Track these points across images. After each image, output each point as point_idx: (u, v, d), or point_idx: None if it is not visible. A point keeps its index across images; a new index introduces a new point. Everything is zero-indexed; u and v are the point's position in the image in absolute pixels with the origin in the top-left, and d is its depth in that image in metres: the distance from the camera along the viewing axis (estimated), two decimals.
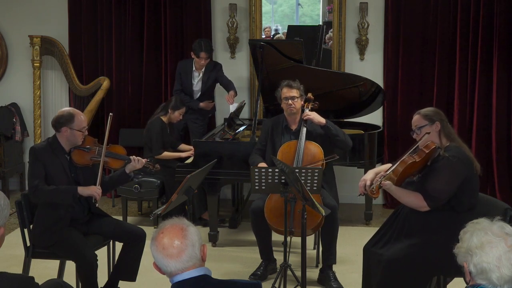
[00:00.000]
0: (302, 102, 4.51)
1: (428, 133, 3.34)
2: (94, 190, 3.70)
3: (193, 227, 2.18)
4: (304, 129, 4.36)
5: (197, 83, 6.04)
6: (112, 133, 6.44)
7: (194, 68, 6.00)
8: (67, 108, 3.85)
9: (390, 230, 3.49)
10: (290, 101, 4.42)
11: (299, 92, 4.44)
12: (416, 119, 3.43)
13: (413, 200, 3.31)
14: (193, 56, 5.91)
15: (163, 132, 5.50)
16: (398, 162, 3.34)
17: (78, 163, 3.78)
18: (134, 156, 3.88)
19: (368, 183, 3.46)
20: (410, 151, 3.33)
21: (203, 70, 5.98)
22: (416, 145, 3.34)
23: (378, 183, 3.33)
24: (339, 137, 4.41)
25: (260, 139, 4.67)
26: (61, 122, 3.70)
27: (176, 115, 5.57)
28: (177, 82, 6.06)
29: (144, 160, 3.90)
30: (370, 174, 3.52)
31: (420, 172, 3.39)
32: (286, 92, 4.44)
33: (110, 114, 3.93)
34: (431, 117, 3.39)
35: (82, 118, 3.74)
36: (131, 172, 3.90)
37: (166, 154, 5.51)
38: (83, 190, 3.69)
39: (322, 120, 4.37)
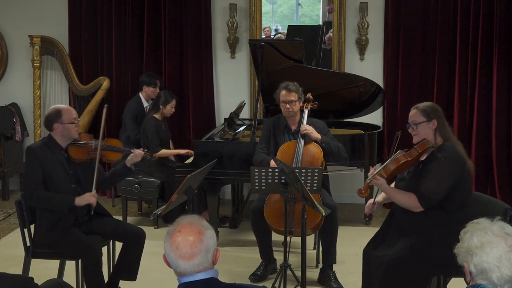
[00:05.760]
0: (301, 104, 4.51)
1: (425, 139, 3.32)
2: (90, 198, 3.70)
3: (211, 230, 2.14)
4: (302, 141, 4.35)
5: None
6: (113, 132, 6.44)
7: (144, 103, 6.01)
8: (52, 107, 3.83)
9: (388, 231, 3.49)
10: (288, 105, 4.42)
11: (298, 95, 4.43)
12: (414, 114, 3.39)
13: (407, 200, 3.31)
14: (145, 90, 5.94)
15: (158, 130, 5.50)
16: (390, 161, 3.33)
17: (75, 159, 3.77)
18: (134, 149, 3.91)
19: (371, 201, 3.53)
20: (394, 154, 3.33)
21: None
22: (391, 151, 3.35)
23: (368, 181, 3.33)
24: (332, 154, 4.42)
25: (262, 138, 4.64)
26: (50, 120, 3.70)
27: (168, 109, 5.57)
28: (133, 127, 5.88)
29: (142, 151, 3.92)
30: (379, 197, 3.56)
31: (410, 168, 3.40)
32: (284, 95, 4.42)
33: (106, 105, 3.97)
34: (429, 113, 3.34)
35: (71, 111, 3.74)
36: (132, 165, 3.91)
37: (164, 151, 5.51)
38: (80, 201, 3.67)
39: (318, 136, 4.37)
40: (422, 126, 3.35)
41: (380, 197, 3.58)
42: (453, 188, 3.26)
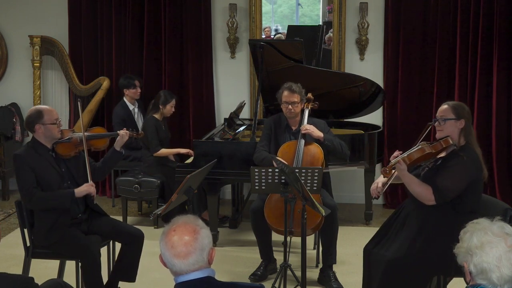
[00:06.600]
0: (302, 105, 4.51)
1: (448, 136, 3.33)
2: (89, 188, 3.69)
3: (206, 229, 2.15)
4: (302, 141, 4.34)
5: (137, 118, 6.07)
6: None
7: (130, 106, 6.03)
8: (34, 107, 3.83)
9: (390, 230, 3.49)
10: (290, 106, 4.41)
11: (300, 97, 4.43)
12: (444, 109, 3.39)
13: (423, 191, 3.30)
14: (127, 93, 5.99)
15: (158, 130, 5.51)
16: (415, 149, 3.34)
17: (64, 155, 3.75)
18: (120, 131, 3.93)
19: (380, 185, 3.50)
20: (422, 142, 3.34)
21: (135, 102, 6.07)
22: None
23: (393, 163, 3.33)
24: (336, 151, 4.41)
25: (264, 137, 4.63)
26: (31, 121, 3.68)
27: (168, 108, 5.59)
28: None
29: (127, 132, 3.93)
30: (382, 177, 3.55)
31: (427, 162, 3.41)
32: (287, 96, 4.42)
33: (79, 99, 4.12)
34: (459, 112, 3.36)
35: (52, 112, 3.72)
36: (121, 149, 3.92)
37: (164, 151, 5.52)
38: (79, 192, 3.67)
39: (320, 134, 4.36)
40: (450, 123, 3.35)
41: (382, 177, 3.57)
42: (467, 189, 3.27)
